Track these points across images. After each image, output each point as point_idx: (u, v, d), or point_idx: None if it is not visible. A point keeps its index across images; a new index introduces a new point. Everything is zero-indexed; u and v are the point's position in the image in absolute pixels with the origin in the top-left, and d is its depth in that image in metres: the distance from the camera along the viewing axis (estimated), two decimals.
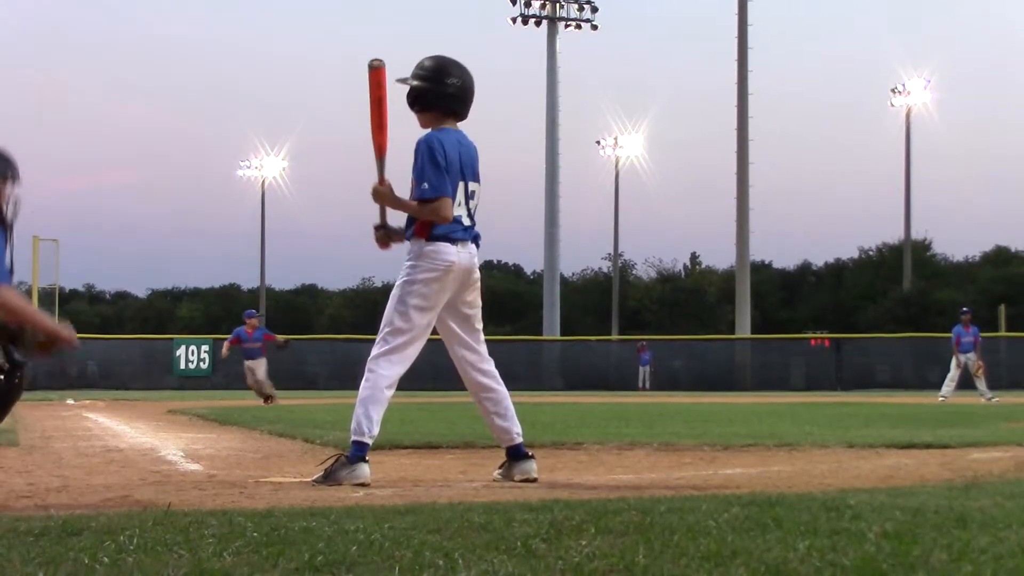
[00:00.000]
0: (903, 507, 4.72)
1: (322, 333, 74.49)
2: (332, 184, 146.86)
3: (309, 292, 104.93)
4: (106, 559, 3.68)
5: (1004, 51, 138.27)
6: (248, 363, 26.62)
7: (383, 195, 7.20)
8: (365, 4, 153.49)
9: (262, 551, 3.82)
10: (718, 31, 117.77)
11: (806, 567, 3.47)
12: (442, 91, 7.13)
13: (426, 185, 6.98)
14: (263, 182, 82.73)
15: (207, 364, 51.24)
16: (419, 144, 7.07)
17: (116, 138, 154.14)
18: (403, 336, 7.10)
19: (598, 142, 79.60)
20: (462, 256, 7.22)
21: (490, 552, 3.76)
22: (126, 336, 65.47)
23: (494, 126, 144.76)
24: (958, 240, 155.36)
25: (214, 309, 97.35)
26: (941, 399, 27.19)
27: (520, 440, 7.34)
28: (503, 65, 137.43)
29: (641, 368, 51.58)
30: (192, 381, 49.21)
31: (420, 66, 7.19)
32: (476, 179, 7.27)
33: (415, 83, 7.13)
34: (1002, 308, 54.83)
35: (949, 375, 28.54)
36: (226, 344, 27.57)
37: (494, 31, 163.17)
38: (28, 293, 52.77)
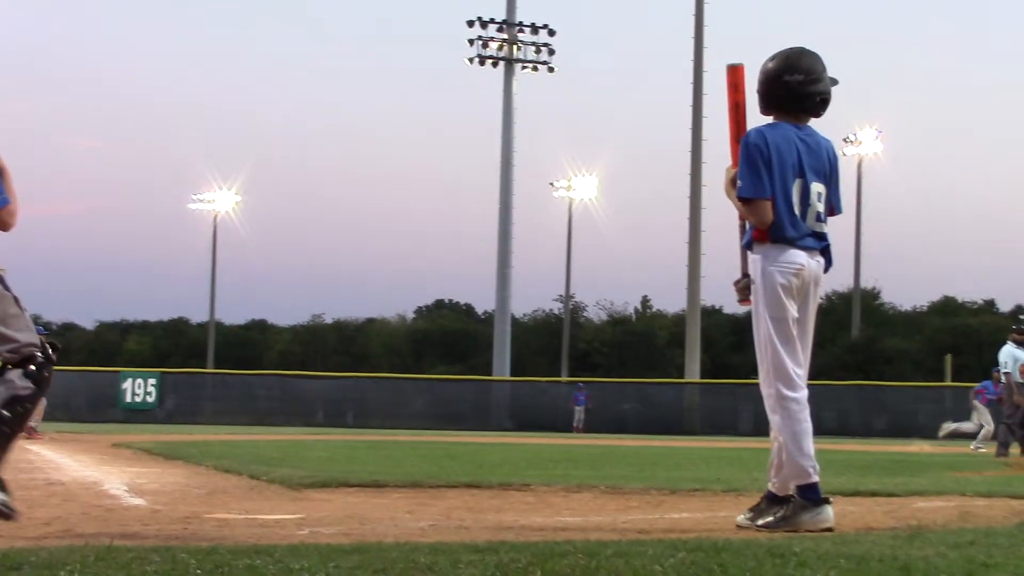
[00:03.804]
0: (848, 555, 4.74)
1: (271, 369, 74.03)
2: (284, 219, 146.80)
3: (259, 327, 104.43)
4: None
5: (955, 104, 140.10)
6: None
7: (728, 182, 6.76)
8: (323, 40, 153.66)
9: None
10: (674, 77, 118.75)
11: None
12: (774, 89, 6.70)
13: (740, 184, 6.57)
14: (215, 216, 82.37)
15: (154, 398, 50.87)
16: (742, 140, 6.67)
17: (66, 169, 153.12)
18: (788, 355, 6.59)
19: (552, 184, 79.78)
20: (811, 264, 6.66)
21: None
22: (72, 368, 64.88)
23: (449, 164, 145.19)
24: (906, 290, 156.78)
25: (162, 343, 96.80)
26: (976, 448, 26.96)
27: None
28: (459, 105, 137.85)
29: (576, 408, 51.66)
30: (138, 415, 48.85)
31: (770, 57, 6.78)
32: (821, 179, 6.70)
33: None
34: (948, 358, 55.29)
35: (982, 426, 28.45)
36: None
37: (451, 71, 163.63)
38: None
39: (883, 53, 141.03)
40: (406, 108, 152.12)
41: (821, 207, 6.70)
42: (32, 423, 24.19)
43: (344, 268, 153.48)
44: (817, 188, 6.67)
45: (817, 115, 6.80)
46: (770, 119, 6.82)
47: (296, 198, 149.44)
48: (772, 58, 6.76)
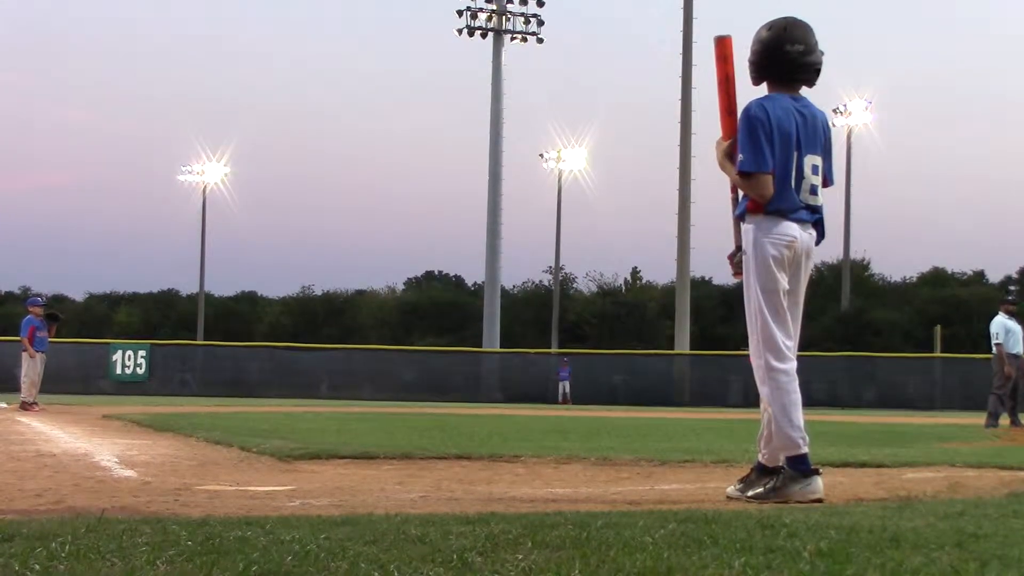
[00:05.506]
0: (837, 526, 4.75)
1: (261, 340, 73.93)
2: (274, 191, 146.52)
3: (248, 299, 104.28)
4: (37, 566, 3.63)
5: (945, 75, 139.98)
6: (39, 355, 25.10)
7: (721, 154, 6.70)
8: (311, 13, 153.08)
9: (196, 560, 3.78)
10: (663, 48, 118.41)
11: None
12: (773, 59, 6.60)
13: (741, 157, 6.48)
14: (204, 187, 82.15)
15: (144, 369, 50.85)
16: (742, 112, 6.59)
17: (56, 140, 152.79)
18: (777, 326, 6.56)
19: (541, 155, 79.67)
20: (803, 236, 6.61)
21: (426, 565, 3.75)
22: (62, 340, 64.71)
23: (439, 137, 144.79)
24: (896, 261, 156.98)
25: (152, 315, 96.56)
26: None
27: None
28: (448, 76, 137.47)
29: (560, 383, 51.78)
30: (128, 386, 48.82)
31: (764, 26, 6.66)
32: (816, 151, 6.64)
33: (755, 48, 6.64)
34: (938, 329, 55.41)
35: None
36: (28, 341, 24.99)
37: (440, 42, 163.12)
38: None
39: (874, 24, 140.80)
40: (395, 80, 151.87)
41: (816, 180, 6.66)
42: (28, 398, 24.23)
43: (334, 240, 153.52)
44: (812, 160, 6.63)
45: (811, 85, 6.75)
46: (761, 89, 6.79)
47: (285, 170, 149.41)
48: (768, 27, 6.68)
